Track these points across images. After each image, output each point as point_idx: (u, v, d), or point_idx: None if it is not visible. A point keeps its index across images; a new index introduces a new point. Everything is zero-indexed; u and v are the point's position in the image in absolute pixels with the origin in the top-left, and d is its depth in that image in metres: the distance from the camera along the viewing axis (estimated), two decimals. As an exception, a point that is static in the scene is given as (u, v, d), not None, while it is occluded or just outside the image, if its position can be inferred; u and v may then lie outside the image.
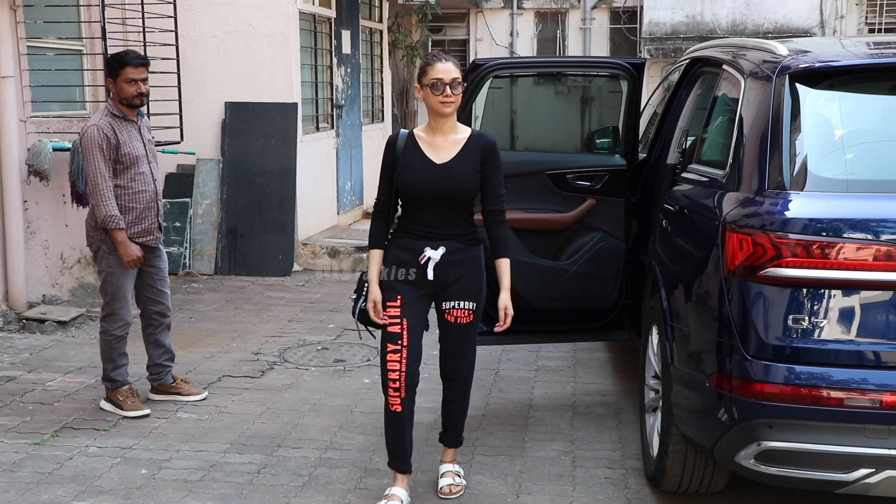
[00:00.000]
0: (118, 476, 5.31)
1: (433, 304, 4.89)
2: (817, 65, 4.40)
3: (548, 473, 5.33)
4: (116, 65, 6.22)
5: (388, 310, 4.70)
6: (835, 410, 3.84)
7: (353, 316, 4.90)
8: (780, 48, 4.65)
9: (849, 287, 3.89)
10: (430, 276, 4.68)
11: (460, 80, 4.61)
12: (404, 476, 4.88)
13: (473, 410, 6.32)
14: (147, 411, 6.28)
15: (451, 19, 21.08)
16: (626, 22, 21.00)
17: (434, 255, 4.65)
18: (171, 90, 9.84)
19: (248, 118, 10.98)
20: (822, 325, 3.92)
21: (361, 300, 4.81)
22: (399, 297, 4.69)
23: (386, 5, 16.07)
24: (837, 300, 3.90)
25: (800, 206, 4.01)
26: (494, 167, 4.74)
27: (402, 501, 4.74)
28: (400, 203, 4.86)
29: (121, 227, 6.07)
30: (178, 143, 10.07)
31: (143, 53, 6.49)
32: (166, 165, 10.38)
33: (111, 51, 8.87)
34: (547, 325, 6.33)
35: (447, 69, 4.58)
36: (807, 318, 3.93)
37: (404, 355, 4.65)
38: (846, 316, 3.91)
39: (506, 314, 4.77)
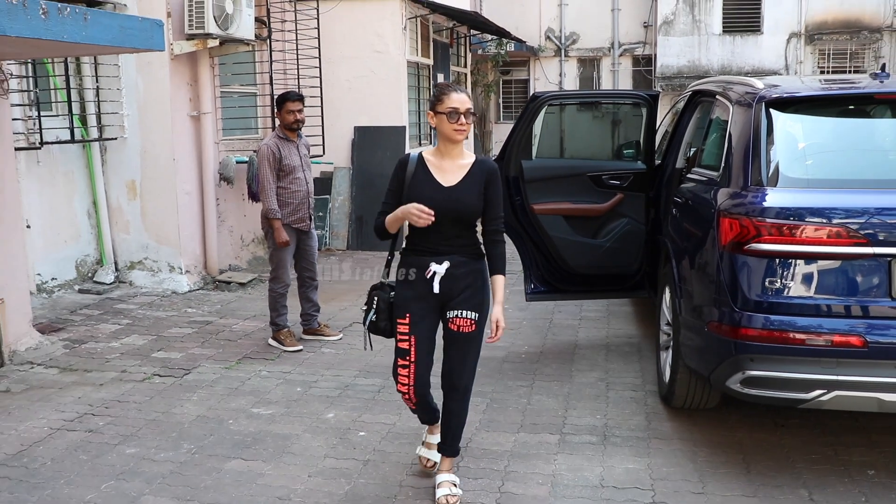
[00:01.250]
0: (281, 392, 5.43)
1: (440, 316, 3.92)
2: (785, 95, 4.33)
3: (588, 394, 5.33)
4: (281, 100, 6.36)
5: (398, 326, 3.83)
6: (798, 348, 3.81)
7: (364, 326, 4.00)
8: (758, 83, 4.59)
9: (809, 257, 3.85)
10: (436, 289, 3.75)
11: (472, 110, 3.76)
12: (437, 424, 4.15)
13: (534, 349, 6.36)
14: (300, 347, 6.38)
15: (516, 65, 20.99)
16: (644, 65, 20.73)
17: (439, 269, 3.74)
18: (316, 118, 9.97)
19: (370, 137, 11.07)
20: (789, 285, 3.88)
21: (371, 312, 3.94)
22: (408, 315, 3.80)
23: (469, 55, 16.04)
24: (801, 267, 3.87)
25: (773, 198, 3.97)
26: (496, 191, 3.81)
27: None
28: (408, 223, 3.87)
29: (277, 217, 6.19)
30: (321, 155, 10.18)
31: (300, 93, 6.61)
32: (313, 172, 10.54)
33: (276, 93, 9.05)
34: (588, 286, 6.30)
35: (462, 100, 3.71)
36: (779, 280, 3.90)
37: (412, 370, 3.81)
38: (807, 279, 3.87)
39: (497, 326, 3.80)
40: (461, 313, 3.79)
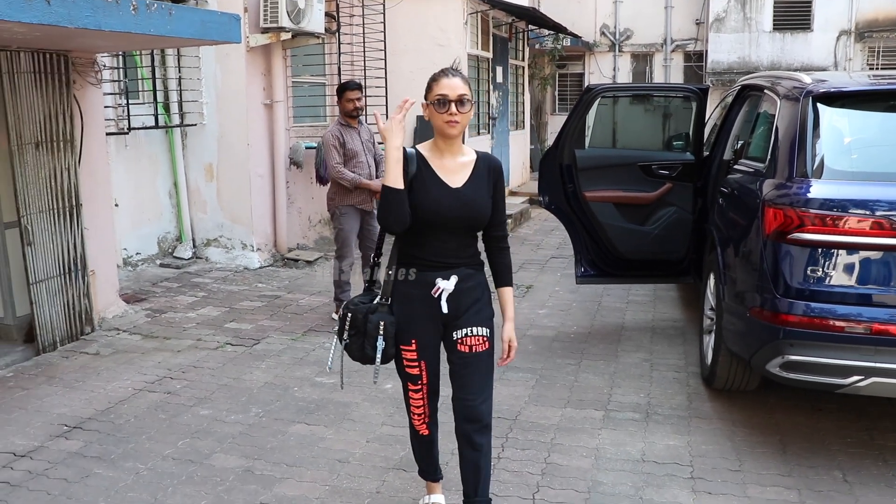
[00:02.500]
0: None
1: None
2: (832, 90, 4.22)
3: (633, 374, 5.30)
4: (341, 89, 6.46)
5: (404, 353, 3.09)
6: (838, 335, 3.74)
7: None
8: (806, 78, 4.49)
9: (851, 248, 3.76)
10: (445, 308, 3.01)
11: (469, 96, 2.94)
12: (438, 483, 3.50)
13: (582, 329, 6.34)
14: (362, 321, 6.44)
15: (571, 59, 20.78)
16: (695, 61, 20.35)
17: (447, 285, 3.00)
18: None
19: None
20: (831, 274, 3.80)
21: (380, 341, 3.05)
22: (414, 340, 3.06)
23: (527, 49, 15.93)
24: (843, 257, 3.78)
25: (818, 189, 3.89)
26: (501, 192, 3.13)
27: None
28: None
29: (362, 180, 6.28)
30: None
31: (359, 82, 6.68)
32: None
33: (343, 82, 9.15)
34: (636, 271, 6.23)
35: (453, 85, 2.91)
36: (820, 269, 3.82)
37: (426, 392, 3.16)
38: (848, 268, 3.78)
39: (510, 346, 3.19)
40: (472, 330, 3.07)
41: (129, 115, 7.79)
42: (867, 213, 3.73)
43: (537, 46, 17.92)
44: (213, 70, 8.41)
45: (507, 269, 3.21)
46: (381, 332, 3.05)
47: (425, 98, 3.00)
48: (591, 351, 5.77)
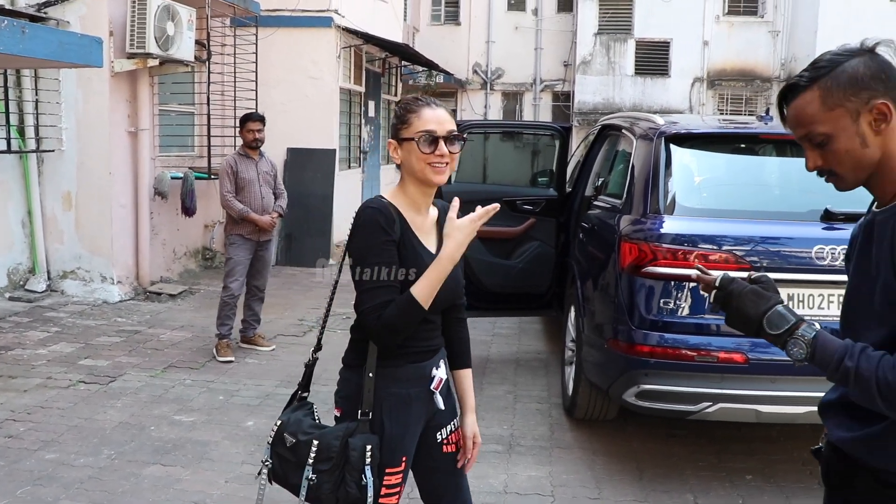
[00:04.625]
0: (204, 400, 5.28)
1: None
2: (683, 131, 4.43)
3: (497, 406, 5.31)
4: (243, 120, 6.40)
5: (386, 479, 2.20)
6: (689, 364, 3.88)
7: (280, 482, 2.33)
8: (659, 119, 4.69)
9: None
10: (441, 404, 2.34)
11: (457, 132, 2.22)
12: None
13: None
14: (231, 358, 6.16)
15: (444, 95, 21.15)
16: (563, 101, 21.16)
17: (444, 374, 2.36)
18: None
19: (302, 159, 10.93)
20: (682, 306, 3.95)
21: (368, 474, 2.15)
22: (404, 458, 2.26)
23: (400, 85, 16.08)
24: (693, 290, 3.92)
25: (670, 225, 4.05)
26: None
27: None
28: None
29: (249, 213, 6.15)
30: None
31: (262, 115, 6.61)
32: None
33: (213, 113, 8.91)
34: (501, 304, 6.26)
35: (440, 117, 2.19)
36: (672, 301, 3.96)
37: None
38: (698, 300, 3.93)
39: (475, 443, 2.49)
40: (454, 424, 2.45)
41: (-23, 139, 7.30)
42: (714, 247, 3.91)
43: (411, 82, 18.13)
44: (73, 94, 8.00)
45: (467, 346, 2.54)
46: (369, 462, 2.15)
47: (395, 136, 2.23)
48: (459, 383, 5.75)
